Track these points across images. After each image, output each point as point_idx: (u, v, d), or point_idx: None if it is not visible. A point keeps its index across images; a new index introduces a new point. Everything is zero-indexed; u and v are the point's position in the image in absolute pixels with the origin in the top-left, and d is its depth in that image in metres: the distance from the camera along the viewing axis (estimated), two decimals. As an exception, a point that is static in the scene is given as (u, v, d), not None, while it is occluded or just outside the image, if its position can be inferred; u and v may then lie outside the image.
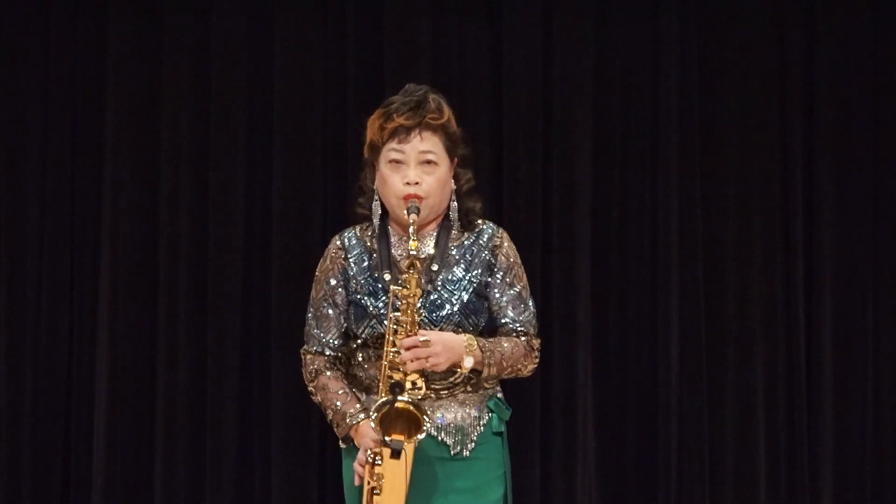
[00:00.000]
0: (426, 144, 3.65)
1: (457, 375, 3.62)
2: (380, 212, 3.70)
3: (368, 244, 3.70)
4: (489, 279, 3.67)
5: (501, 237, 3.73)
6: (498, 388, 3.74)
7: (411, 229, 3.55)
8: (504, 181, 5.86)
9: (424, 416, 3.44)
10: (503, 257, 3.70)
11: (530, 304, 3.71)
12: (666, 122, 5.93)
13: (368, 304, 3.62)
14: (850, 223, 5.94)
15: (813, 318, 5.93)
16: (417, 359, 3.48)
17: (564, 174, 5.91)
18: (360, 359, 3.66)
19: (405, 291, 3.51)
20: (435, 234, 3.69)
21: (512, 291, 3.68)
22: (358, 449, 3.59)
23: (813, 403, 5.92)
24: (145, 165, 5.93)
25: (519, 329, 3.67)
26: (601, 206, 5.94)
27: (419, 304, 3.55)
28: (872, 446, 5.92)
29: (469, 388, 3.65)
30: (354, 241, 3.72)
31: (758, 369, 5.91)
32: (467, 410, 3.65)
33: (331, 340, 3.69)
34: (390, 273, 3.62)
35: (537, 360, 3.70)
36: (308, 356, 3.72)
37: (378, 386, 3.55)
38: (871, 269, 5.95)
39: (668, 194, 5.91)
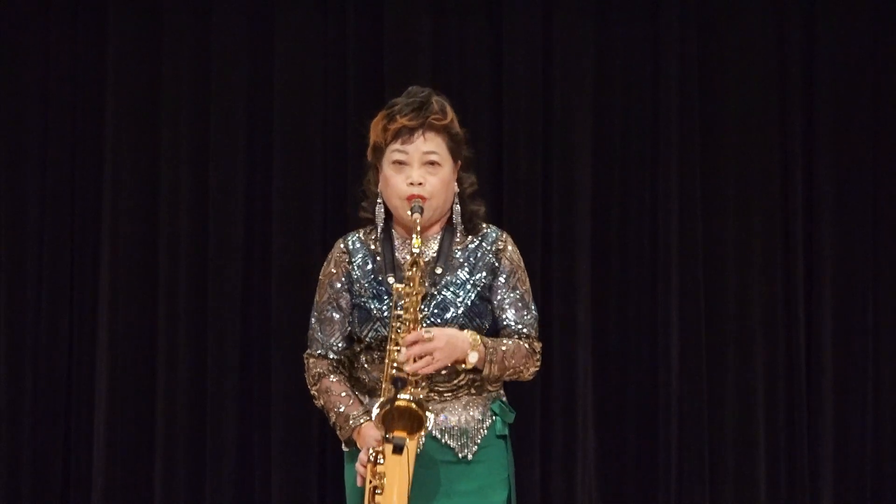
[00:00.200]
0: (430, 145, 3.64)
1: (460, 378, 3.61)
2: (384, 215, 3.69)
3: (372, 247, 3.70)
4: (493, 282, 3.67)
5: (505, 241, 3.73)
6: (501, 392, 3.73)
7: (416, 227, 3.55)
8: (504, 181, 5.86)
9: (426, 414, 3.43)
10: (507, 261, 3.69)
11: (533, 308, 3.70)
12: (666, 122, 5.93)
13: (372, 307, 3.62)
14: (850, 223, 5.94)
15: (813, 318, 5.93)
16: (421, 355, 3.46)
17: (564, 174, 5.91)
18: (364, 362, 3.65)
19: (408, 289, 3.51)
20: (439, 237, 3.69)
21: (515, 294, 3.68)
22: (360, 451, 3.58)
23: (813, 403, 5.92)
24: (145, 165, 5.93)
25: (522, 331, 3.66)
26: (601, 206, 5.94)
27: (423, 305, 3.54)
28: (872, 446, 5.92)
29: (473, 391, 3.64)
30: (358, 245, 3.71)
31: (758, 369, 5.91)
32: (471, 413, 3.64)
33: (334, 344, 3.68)
34: (394, 276, 3.62)
35: (539, 364, 3.69)
36: (311, 360, 3.72)
37: (382, 388, 3.54)
38: (871, 269, 5.95)
39: (668, 194, 5.91)
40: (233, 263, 5.89)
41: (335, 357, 3.68)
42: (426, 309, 3.57)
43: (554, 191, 5.91)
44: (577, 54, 5.93)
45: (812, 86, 5.96)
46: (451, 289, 3.62)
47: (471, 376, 3.62)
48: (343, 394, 3.64)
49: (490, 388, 3.67)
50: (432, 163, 3.64)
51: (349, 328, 3.67)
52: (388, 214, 3.70)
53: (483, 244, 3.70)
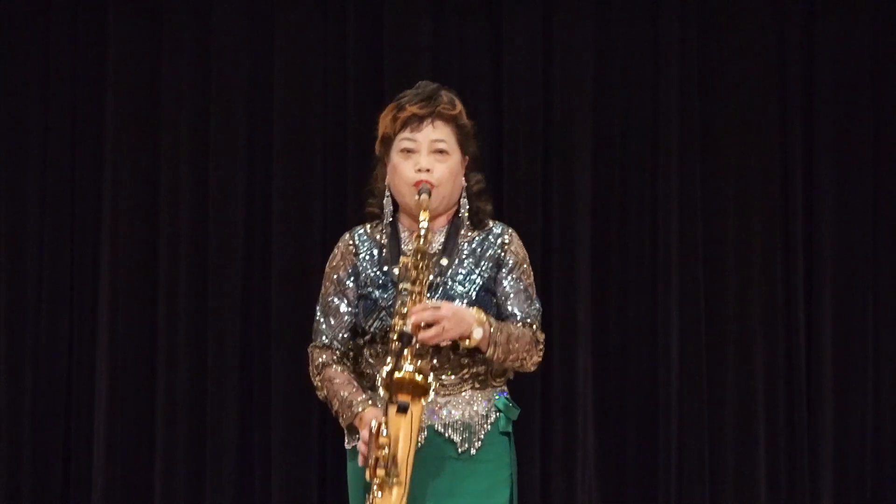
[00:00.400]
0: (438, 133, 3.65)
1: (464, 371, 3.61)
2: (391, 209, 3.70)
3: (378, 238, 3.71)
4: (497, 274, 3.67)
5: (511, 235, 3.73)
6: (505, 388, 3.73)
7: (424, 204, 3.55)
8: (504, 181, 5.87)
9: (430, 382, 3.43)
10: (512, 254, 3.70)
11: (536, 301, 3.71)
12: (666, 122, 5.93)
13: (378, 296, 3.62)
14: (850, 223, 5.95)
15: (813, 318, 5.94)
16: (429, 322, 3.46)
17: (564, 174, 5.92)
18: (368, 356, 3.65)
19: (415, 261, 3.51)
20: (445, 229, 3.69)
21: (519, 286, 3.68)
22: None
23: (813, 403, 5.93)
24: (145, 165, 5.93)
25: (526, 321, 3.66)
26: (601, 206, 5.94)
27: (427, 294, 3.54)
28: (872, 446, 5.92)
29: (476, 385, 3.64)
30: (365, 238, 3.72)
31: (758, 369, 5.91)
32: (474, 408, 3.64)
33: (339, 334, 3.67)
34: (398, 272, 3.62)
35: (541, 354, 3.69)
36: (315, 351, 3.71)
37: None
38: (871, 269, 5.96)
39: (668, 194, 5.91)
40: (233, 263, 5.90)
41: (339, 348, 3.67)
42: (431, 299, 3.57)
43: (554, 191, 5.92)
44: (577, 54, 5.94)
45: (812, 86, 5.96)
46: (456, 280, 3.63)
47: (475, 370, 3.62)
48: (346, 382, 3.63)
49: (494, 382, 3.67)
50: (441, 151, 3.64)
51: (354, 320, 3.66)
52: (396, 208, 3.70)
53: (489, 238, 3.70)
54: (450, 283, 3.62)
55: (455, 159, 3.67)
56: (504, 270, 3.68)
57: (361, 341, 3.65)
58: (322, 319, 3.70)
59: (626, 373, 5.93)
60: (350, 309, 3.67)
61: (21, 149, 5.93)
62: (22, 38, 5.94)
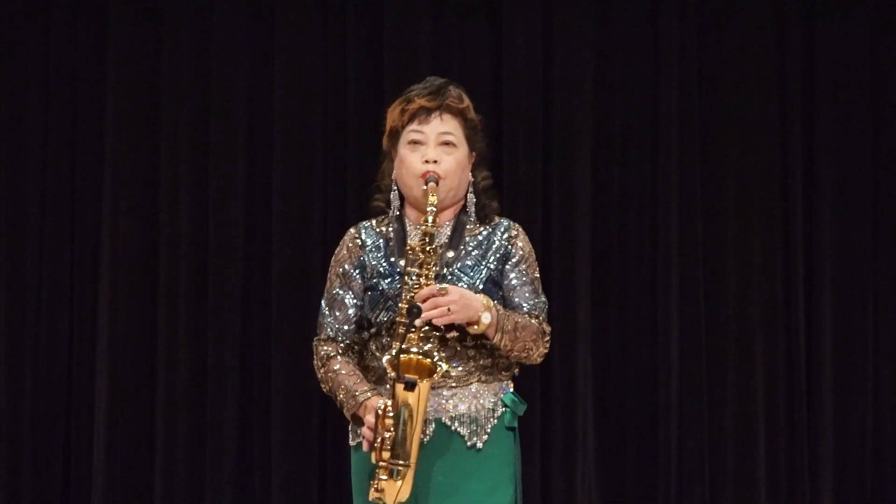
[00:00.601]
0: (446, 126, 3.67)
1: (470, 364, 3.61)
2: (398, 203, 3.70)
3: (384, 231, 3.71)
4: (504, 267, 3.68)
5: (518, 229, 3.74)
6: (511, 384, 3.73)
7: (432, 191, 3.56)
8: (504, 181, 5.86)
9: (437, 362, 3.44)
10: (518, 248, 3.70)
11: (542, 295, 3.71)
12: (666, 122, 5.93)
13: (384, 285, 3.62)
14: (850, 223, 5.95)
15: (813, 318, 5.94)
16: (436, 307, 3.47)
17: (564, 174, 5.92)
18: (374, 349, 3.65)
19: (422, 243, 3.52)
20: (451, 223, 3.70)
21: (525, 278, 3.69)
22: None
23: (813, 403, 5.93)
24: (145, 165, 5.93)
25: (532, 312, 3.67)
26: (601, 206, 5.94)
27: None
28: (872, 446, 5.93)
29: (483, 378, 3.64)
30: (371, 231, 3.73)
31: (758, 369, 5.91)
32: (481, 402, 3.64)
33: (344, 326, 3.67)
34: (405, 260, 3.63)
35: (548, 346, 3.69)
36: (320, 344, 3.71)
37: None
38: (871, 269, 5.96)
39: (668, 194, 5.91)
40: (233, 263, 5.90)
41: (344, 341, 3.67)
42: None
43: (554, 191, 5.92)
44: (577, 54, 5.94)
45: (812, 86, 5.96)
46: (463, 272, 3.63)
47: (481, 362, 3.62)
48: (351, 373, 3.63)
49: (500, 375, 3.67)
50: (448, 143, 3.66)
51: (359, 313, 3.66)
52: (402, 202, 3.71)
53: (496, 231, 3.71)
54: (456, 273, 3.62)
55: (462, 152, 3.68)
56: (510, 263, 3.69)
57: (367, 335, 3.66)
58: (327, 312, 3.70)
59: (626, 373, 5.93)
60: (356, 301, 3.67)
61: (21, 149, 5.93)
62: (22, 38, 5.94)
